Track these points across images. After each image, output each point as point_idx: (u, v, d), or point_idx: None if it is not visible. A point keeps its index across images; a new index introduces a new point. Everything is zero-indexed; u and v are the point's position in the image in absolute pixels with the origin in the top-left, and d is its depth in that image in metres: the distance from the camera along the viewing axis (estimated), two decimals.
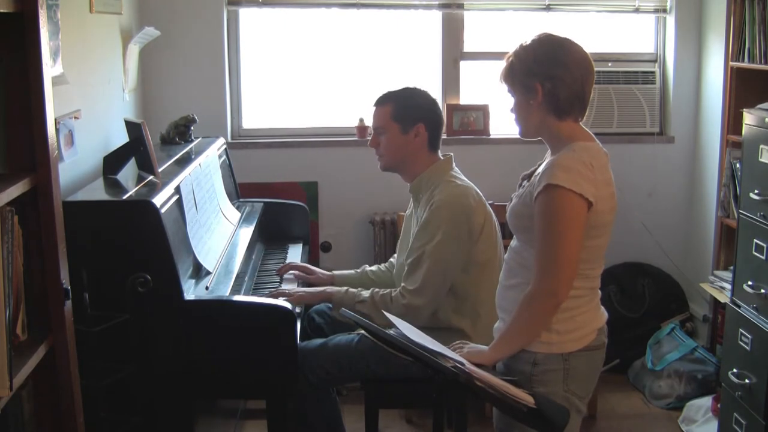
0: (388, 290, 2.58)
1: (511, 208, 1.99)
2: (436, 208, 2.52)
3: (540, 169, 1.91)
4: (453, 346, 2.04)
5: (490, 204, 2.69)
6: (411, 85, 2.71)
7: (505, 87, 1.99)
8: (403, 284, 2.55)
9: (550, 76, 1.88)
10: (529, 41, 1.95)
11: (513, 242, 2.03)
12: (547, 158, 2.01)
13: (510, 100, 2.00)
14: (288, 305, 2.38)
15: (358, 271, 2.97)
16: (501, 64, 1.99)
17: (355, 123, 3.93)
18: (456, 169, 2.68)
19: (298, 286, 2.93)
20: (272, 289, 2.75)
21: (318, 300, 2.75)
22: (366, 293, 2.60)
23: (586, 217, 1.84)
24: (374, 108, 2.70)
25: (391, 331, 1.97)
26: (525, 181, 2.00)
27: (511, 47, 2.00)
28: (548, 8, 3.95)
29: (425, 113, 2.65)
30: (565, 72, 1.88)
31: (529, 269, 1.91)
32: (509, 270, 2.02)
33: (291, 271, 2.99)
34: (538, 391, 1.86)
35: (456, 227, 2.50)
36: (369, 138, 2.76)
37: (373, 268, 2.96)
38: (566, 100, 1.90)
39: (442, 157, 2.69)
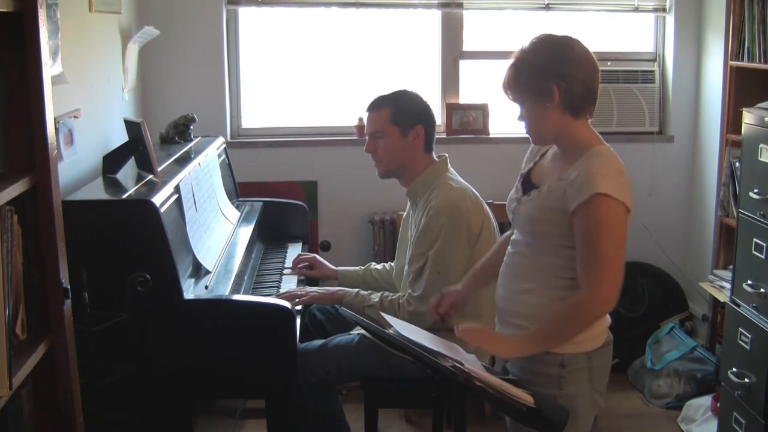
0: (396, 295, 2.59)
1: (528, 215, 1.93)
2: (434, 213, 2.52)
3: (569, 176, 1.86)
4: (470, 329, 1.94)
5: (489, 203, 2.69)
6: (402, 88, 2.71)
7: (509, 96, 1.93)
8: (409, 291, 2.55)
9: (565, 75, 1.85)
10: (531, 45, 1.90)
11: (521, 247, 1.98)
12: (550, 154, 2.00)
13: (512, 108, 1.95)
14: (287, 304, 2.38)
15: (363, 268, 2.97)
16: (504, 74, 1.92)
17: (355, 122, 3.93)
18: (452, 170, 2.68)
19: (298, 282, 2.94)
20: (280, 291, 2.76)
21: (330, 301, 2.75)
22: (375, 298, 2.61)
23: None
24: (369, 113, 2.69)
25: (391, 331, 1.97)
26: (524, 181, 1.99)
27: (510, 47, 1.97)
28: (547, 7, 3.95)
29: (423, 114, 2.66)
30: (578, 69, 1.86)
31: (547, 273, 1.90)
32: (520, 275, 1.97)
33: (300, 264, 3.02)
34: (549, 392, 1.87)
35: (455, 231, 2.50)
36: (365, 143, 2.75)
37: (378, 266, 2.97)
38: (581, 97, 1.88)
39: (437, 159, 2.69)
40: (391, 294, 2.61)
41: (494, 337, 1.96)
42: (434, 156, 2.69)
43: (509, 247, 2.05)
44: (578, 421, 1.91)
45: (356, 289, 2.69)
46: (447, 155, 2.71)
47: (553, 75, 1.85)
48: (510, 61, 1.92)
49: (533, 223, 1.93)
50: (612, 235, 1.83)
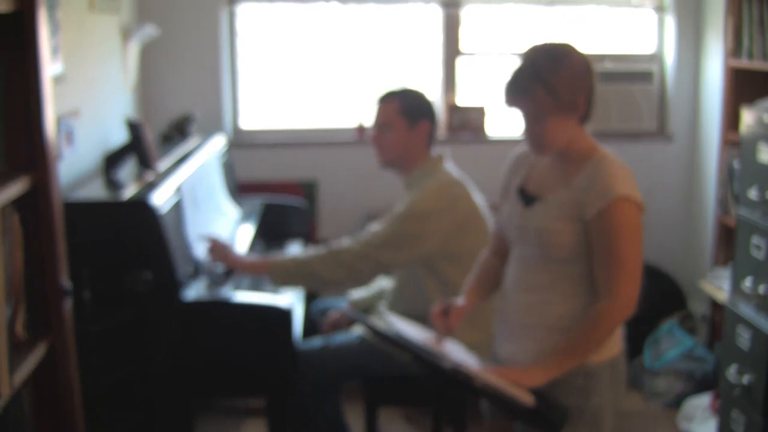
0: (337, 248, 2.54)
1: (538, 226, 1.88)
2: (419, 192, 2.57)
3: (580, 183, 1.85)
4: (490, 369, 1.89)
5: (489, 204, 2.70)
6: (409, 86, 2.75)
7: (523, 109, 1.86)
8: (365, 238, 2.53)
9: (588, 86, 1.84)
10: (548, 57, 1.83)
11: (529, 260, 1.94)
12: (544, 163, 1.97)
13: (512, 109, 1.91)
14: (286, 305, 2.38)
15: (372, 287, 2.92)
16: (513, 88, 1.84)
17: (355, 123, 3.93)
18: (449, 165, 2.70)
19: None
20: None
21: (252, 270, 2.61)
22: (308, 254, 2.55)
23: None
24: (379, 104, 2.73)
25: (391, 330, 1.97)
26: (521, 193, 1.97)
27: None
28: (548, 4, 3.93)
29: (429, 110, 2.71)
30: (592, 77, 1.85)
31: (566, 282, 1.88)
32: (533, 287, 1.93)
33: None
34: (575, 404, 1.85)
35: (435, 203, 2.54)
36: (368, 135, 2.76)
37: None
38: (592, 104, 1.87)
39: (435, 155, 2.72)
40: (326, 248, 2.56)
41: (517, 373, 1.84)
42: (432, 152, 2.72)
43: (512, 262, 2.00)
44: (601, 430, 1.91)
45: (278, 259, 2.62)
46: (447, 151, 2.73)
47: (583, 88, 1.83)
48: (521, 75, 1.83)
49: (545, 234, 1.87)
50: (633, 238, 1.81)
